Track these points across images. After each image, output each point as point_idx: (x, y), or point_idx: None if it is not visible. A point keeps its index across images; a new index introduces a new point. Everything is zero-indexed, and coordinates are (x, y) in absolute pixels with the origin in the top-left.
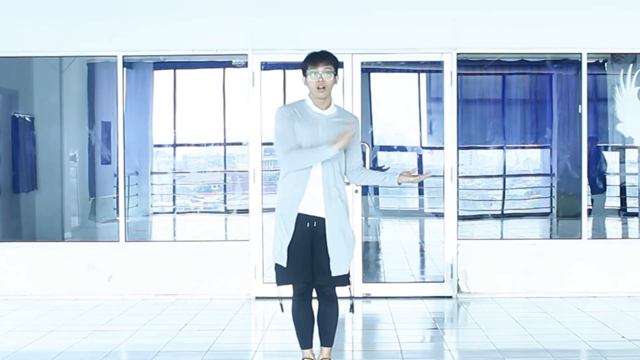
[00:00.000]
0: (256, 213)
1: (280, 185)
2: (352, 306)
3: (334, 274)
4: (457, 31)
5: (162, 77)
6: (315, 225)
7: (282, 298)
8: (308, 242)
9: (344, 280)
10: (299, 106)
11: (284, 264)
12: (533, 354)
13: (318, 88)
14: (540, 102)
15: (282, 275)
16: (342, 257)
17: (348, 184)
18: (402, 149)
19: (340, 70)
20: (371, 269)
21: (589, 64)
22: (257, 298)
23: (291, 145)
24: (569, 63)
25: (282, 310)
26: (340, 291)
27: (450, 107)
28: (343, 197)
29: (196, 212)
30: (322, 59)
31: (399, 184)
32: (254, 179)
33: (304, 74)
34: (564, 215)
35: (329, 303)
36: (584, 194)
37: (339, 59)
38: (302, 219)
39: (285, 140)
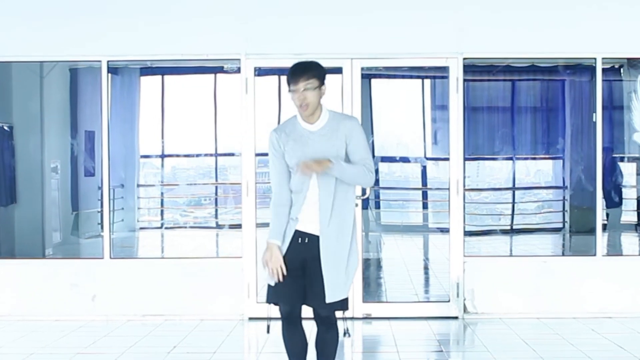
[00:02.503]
0: (249, 228)
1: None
2: (346, 331)
3: (328, 300)
4: (464, 34)
5: (149, 84)
6: (307, 241)
7: (270, 319)
8: (300, 261)
9: (341, 305)
10: (291, 124)
11: (272, 282)
12: None
13: (301, 106)
14: (552, 110)
15: (270, 294)
16: (339, 281)
17: (364, 195)
18: (404, 160)
19: (338, 76)
20: (372, 288)
21: (604, 70)
22: (250, 319)
23: (275, 186)
24: (582, 68)
25: (268, 331)
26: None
27: (456, 115)
28: (345, 214)
29: (186, 227)
30: (302, 73)
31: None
32: (247, 192)
33: (288, 90)
34: (577, 230)
35: (327, 328)
36: (598, 208)
37: (338, 64)
38: (295, 234)
39: (272, 177)
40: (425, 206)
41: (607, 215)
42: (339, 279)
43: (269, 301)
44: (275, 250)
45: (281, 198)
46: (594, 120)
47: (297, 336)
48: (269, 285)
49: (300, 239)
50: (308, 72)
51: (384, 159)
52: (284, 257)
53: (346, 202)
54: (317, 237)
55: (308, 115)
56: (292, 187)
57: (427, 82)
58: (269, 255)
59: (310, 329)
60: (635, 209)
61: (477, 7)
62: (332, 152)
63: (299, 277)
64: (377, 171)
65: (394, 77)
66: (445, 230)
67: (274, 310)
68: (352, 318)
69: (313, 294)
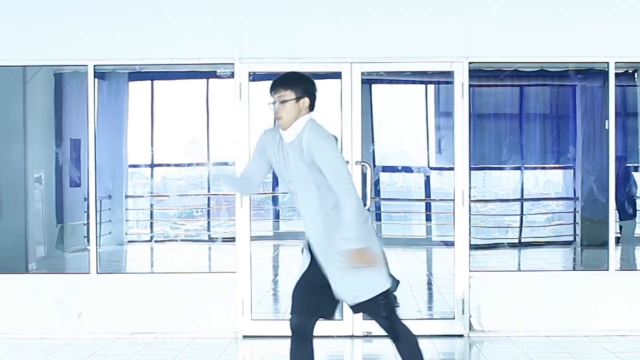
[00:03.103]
0: (244, 241)
1: None
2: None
3: (350, 302)
4: (469, 37)
5: (138, 89)
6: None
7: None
8: (319, 277)
9: (377, 305)
10: (275, 129)
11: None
12: None
13: (275, 119)
14: (562, 117)
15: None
16: (350, 281)
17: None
18: (407, 169)
19: (337, 81)
20: None
21: (617, 75)
22: (244, 337)
23: (246, 167)
24: (594, 73)
25: None
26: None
27: (461, 122)
28: (333, 216)
29: (176, 240)
30: (278, 85)
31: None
32: (241, 203)
33: None
34: (589, 244)
35: (393, 340)
36: (611, 220)
37: (337, 69)
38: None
39: (248, 162)
40: (428, 218)
41: (621, 227)
42: (348, 277)
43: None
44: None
45: (245, 172)
46: (606, 127)
47: (303, 354)
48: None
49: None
50: (285, 84)
51: (385, 169)
52: (306, 272)
53: (327, 198)
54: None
55: (284, 127)
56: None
57: (431, 87)
58: None
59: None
60: None
61: (483, 9)
62: (301, 161)
63: (317, 294)
64: (377, 181)
65: (396, 82)
66: (449, 244)
67: (273, 328)
68: (351, 336)
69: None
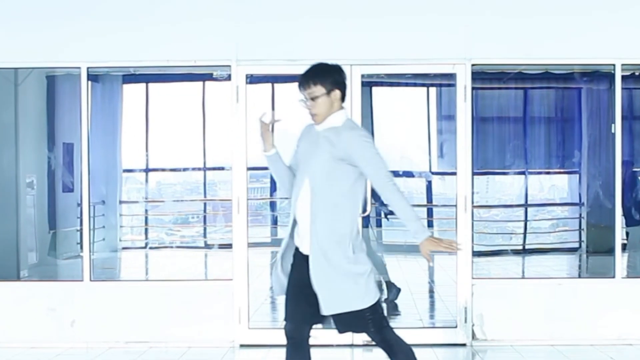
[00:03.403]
0: (241, 248)
1: None
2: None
3: (326, 312)
4: (472, 39)
5: (132, 92)
6: (304, 261)
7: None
8: (305, 280)
9: (364, 320)
10: (310, 124)
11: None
12: None
13: (310, 115)
14: (567, 121)
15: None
16: (338, 292)
17: (364, 212)
18: (408, 174)
19: None
20: None
21: (623, 77)
22: (242, 346)
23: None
24: (600, 75)
25: None
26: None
27: (463, 126)
28: (340, 228)
29: (172, 247)
30: (302, 82)
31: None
32: (239, 209)
33: None
34: (595, 250)
35: (388, 353)
36: (617, 226)
37: None
38: (297, 253)
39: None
40: (430, 224)
41: (627, 234)
42: (336, 288)
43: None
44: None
45: (290, 165)
46: (612, 131)
47: None
48: None
49: (300, 260)
50: (314, 79)
51: None
52: (292, 273)
53: (343, 212)
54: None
55: (317, 122)
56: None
57: (433, 90)
58: None
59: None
60: None
61: (487, 10)
62: (329, 158)
63: (305, 296)
64: None
65: (397, 84)
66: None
67: (271, 337)
68: (351, 345)
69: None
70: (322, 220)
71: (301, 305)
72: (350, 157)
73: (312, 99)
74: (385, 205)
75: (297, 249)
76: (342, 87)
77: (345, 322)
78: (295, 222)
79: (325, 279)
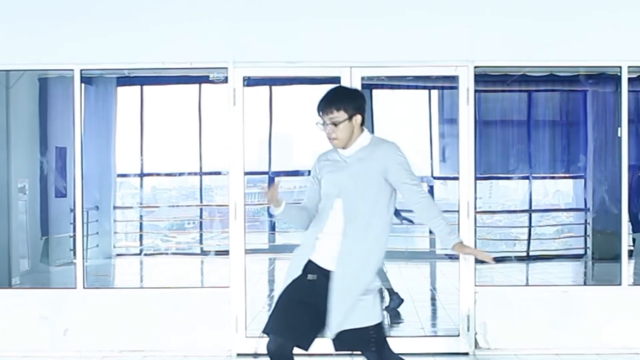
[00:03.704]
0: (238, 255)
1: None
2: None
3: (336, 329)
4: (475, 40)
5: (127, 95)
6: (316, 278)
7: (257, 355)
8: (309, 296)
9: (368, 337)
10: (330, 150)
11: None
12: None
13: (329, 139)
14: (572, 124)
15: (267, 322)
16: (352, 309)
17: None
18: None
19: None
20: None
21: (630, 80)
22: (238, 355)
23: (305, 200)
24: (606, 78)
25: None
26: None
27: (466, 129)
28: (373, 252)
29: (167, 253)
30: (329, 105)
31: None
32: (235, 214)
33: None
34: (601, 257)
35: None
36: (624, 233)
37: (336, 73)
38: (309, 265)
39: (305, 195)
40: (432, 230)
41: (634, 240)
42: (353, 306)
43: (263, 330)
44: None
45: (305, 206)
46: (619, 135)
47: None
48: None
49: (309, 275)
50: (337, 104)
51: None
52: (290, 286)
53: (374, 235)
54: (329, 272)
55: (339, 146)
56: (318, 210)
57: (435, 93)
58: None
59: None
60: None
61: (490, 11)
62: (365, 177)
63: (300, 312)
64: None
65: (398, 87)
66: (454, 257)
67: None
68: (351, 354)
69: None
70: (356, 240)
71: (295, 321)
72: (387, 170)
73: (334, 124)
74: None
75: (309, 262)
76: (364, 112)
77: (347, 340)
78: (315, 239)
79: (345, 297)
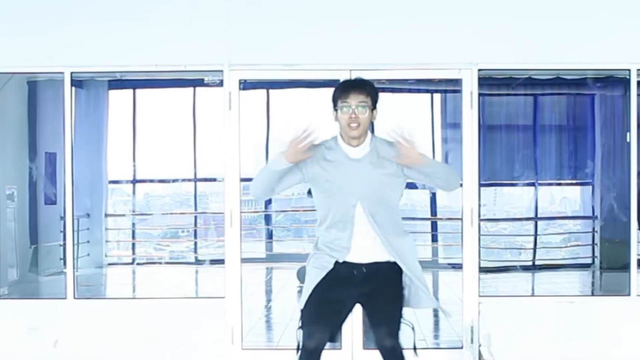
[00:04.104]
0: (234, 264)
1: (318, 234)
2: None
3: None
4: (479, 42)
5: (119, 98)
6: (365, 271)
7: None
8: (346, 295)
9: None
10: (329, 147)
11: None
12: None
13: (350, 125)
14: (579, 129)
15: (304, 319)
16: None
17: None
18: (411, 185)
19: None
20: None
21: (639, 83)
22: None
23: None
24: (614, 81)
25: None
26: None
27: (470, 134)
28: (405, 244)
29: (160, 262)
30: (353, 88)
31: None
32: (231, 222)
33: (334, 108)
34: (609, 266)
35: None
36: (633, 241)
37: (335, 76)
38: (344, 266)
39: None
40: (434, 239)
41: None
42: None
43: (301, 326)
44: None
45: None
46: (627, 140)
47: None
48: (305, 309)
49: (355, 270)
50: (360, 88)
51: None
52: (323, 287)
53: (400, 226)
54: (376, 264)
55: (358, 135)
56: (333, 219)
57: (437, 96)
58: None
59: None
60: None
61: (494, 12)
62: (381, 182)
63: (337, 312)
64: None
65: (399, 90)
66: (457, 267)
67: (266, 358)
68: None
69: (377, 324)
70: (389, 230)
71: (331, 321)
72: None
73: (359, 107)
74: None
75: (345, 264)
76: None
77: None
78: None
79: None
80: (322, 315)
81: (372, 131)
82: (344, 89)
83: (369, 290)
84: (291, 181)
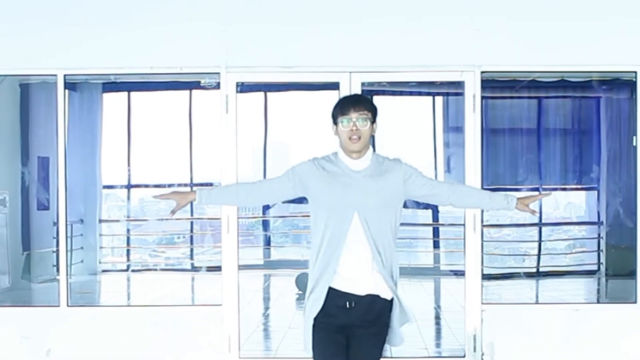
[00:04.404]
0: (231, 271)
1: (311, 253)
2: None
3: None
4: (482, 44)
5: (113, 101)
6: (354, 305)
7: None
8: (343, 326)
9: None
10: (329, 160)
11: (310, 351)
12: None
13: (351, 139)
14: (585, 133)
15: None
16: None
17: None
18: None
19: (335, 92)
20: None
21: None
22: None
23: (262, 181)
24: (620, 84)
25: None
26: None
27: (472, 138)
28: (395, 268)
29: (156, 269)
30: (354, 103)
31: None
32: (228, 228)
33: (334, 122)
34: (615, 273)
35: None
36: (639, 247)
37: (334, 79)
38: (337, 295)
39: (268, 179)
40: (436, 245)
41: None
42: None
43: None
44: (188, 193)
45: (254, 183)
46: (634, 144)
47: None
48: (315, 353)
49: (347, 302)
50: (360, 103)
51: None
52: (320, 316)
53: (393, 247)
54: (365, 297)
55: (359, 148)
56: (327, 231)
57: (439, 99)
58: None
59: None
60: None
61: (498, 12)
62: (379, 195)
63: (343, 344)
64: None
65: (400, 93)
66: (460, 274)
67: None
68: None
69: None
70: (389, 255)
71: (343, 352)
72: (406, 181)
73: (364, 120)
74: None
75: (337, 293)
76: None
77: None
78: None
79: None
80: (334, 352)
81: (374, 148)
82: (344, 104)
83: (358, 325)
84: (282, 192)
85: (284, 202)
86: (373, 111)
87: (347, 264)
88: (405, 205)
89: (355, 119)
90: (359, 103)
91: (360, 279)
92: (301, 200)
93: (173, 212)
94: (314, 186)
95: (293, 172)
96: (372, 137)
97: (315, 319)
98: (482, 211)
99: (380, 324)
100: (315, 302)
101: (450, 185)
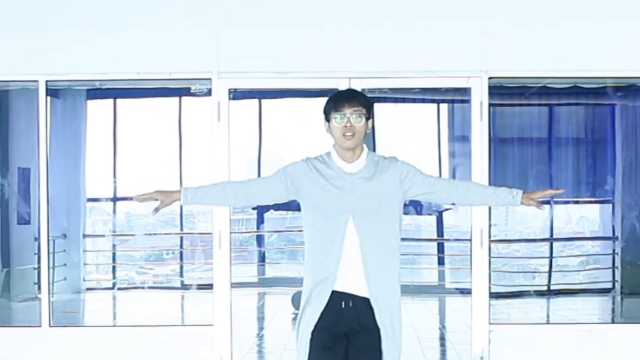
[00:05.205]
0: (222, 289)
1: (306, 261)
2: None
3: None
4: (489, 48)
5: (98, 109)
6: (352, 305)
7: None
8: (344, 328)
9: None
10: (322, 160)
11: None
12: None
13: (344, 135)
14: (598, 142)
15: None
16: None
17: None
18: (415, 204)
19: None
20: None
21: None
22: None
23: (252, 180)
24: (636, 90)
25: None
26: None
27: (479, 148)
28: (393, 269)
29: (143, 287)
30: (348, 98)
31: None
32: (220, 244)
33: (327, 119)
34: (631, 291)
35: None
36: None
37: (333, 85)
38: (334, 296)
39: (258, 179)
40: (441, 262)
41: None
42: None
43: None
44: (172, 191)
45: (242, 182)
46: None
47: None
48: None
49: (343, 302)
50: (355, 98)
51: None
52: (318, 325)
53: (393, 252)
54: (364, 299)
55: (353, 146)
56: (321, 237)
57: (444, 107)
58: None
59: None
60: None
61: (506, 16)
62: (375, 197)
63: (340, 351)
64: None
65: (403, 100)
66: (466, 292)
67: None
68: None
69: None
70: (390, 263)
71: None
72: (403, 180)
73: (354, 115)
74: None
75: (335, 294)
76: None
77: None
78: (334, 267)
79: (391, 333)
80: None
81: (374, 139)
82: (337, 99)
83: (355, 332)
84: (272, 193)
85: (276, 210)
86: (368, 107)
87: (344, 270)
88: (406, 212)
89: (350, 114)
90: (354, 98)
91: (357, 284)
92: (297, 214)
93: (156, 209)
94: (306, 188)
95: (285, 172)
96: (373, 141)
97: (312, 333)
98: (490, 226)
99: (377, 333)
100: (312, 314)
101: (451, 182)
